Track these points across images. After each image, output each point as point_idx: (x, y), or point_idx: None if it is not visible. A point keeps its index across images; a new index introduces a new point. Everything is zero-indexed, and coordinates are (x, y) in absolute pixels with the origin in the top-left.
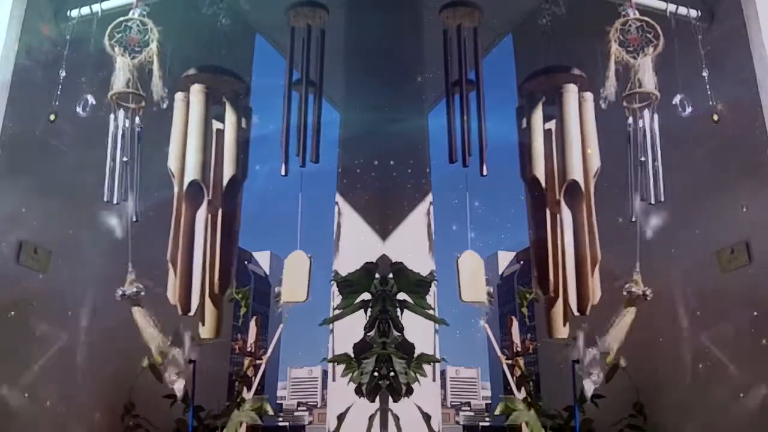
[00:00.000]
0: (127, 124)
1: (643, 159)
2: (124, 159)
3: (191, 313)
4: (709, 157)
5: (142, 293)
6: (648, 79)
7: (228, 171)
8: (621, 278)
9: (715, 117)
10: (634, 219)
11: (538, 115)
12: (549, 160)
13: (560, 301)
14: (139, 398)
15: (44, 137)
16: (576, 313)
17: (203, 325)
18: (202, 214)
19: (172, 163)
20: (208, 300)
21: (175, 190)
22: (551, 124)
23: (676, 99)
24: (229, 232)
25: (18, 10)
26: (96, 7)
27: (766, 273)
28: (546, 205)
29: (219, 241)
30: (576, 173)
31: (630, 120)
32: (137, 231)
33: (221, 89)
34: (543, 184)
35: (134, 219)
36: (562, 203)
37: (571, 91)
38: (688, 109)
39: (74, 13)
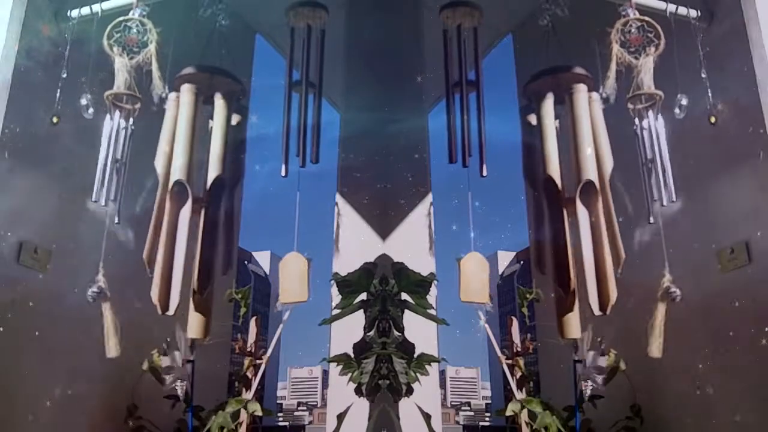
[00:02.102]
0: (122, 125)
1: (651, 160)
2: (116, 159)
3: (169, 312)
4: (708, 157)
5: (103, 292)
6: (650, 80)
7: (213, 171)
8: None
9: (713, 119)
10: (652, 221)
11: (549, 114)
12: (563, 158)
13: (576, 301)
14: (141, 399)
15: (44, 137)
16: (598, 313)
17: (189, 325)
18: (185, 214)
19: (158, 163)
20: (191, 300)
21: (159, 189)
22: (556, 124)
23: (681, 99)
24: (214, 232)
25: (18, 10)
26: (96, 7)
27: (766, 273)
28: (562, 206)
29: (200, 242)
30: (591, 173)
31: (636, 121)
32: (138, 232)
33: (214, 89)
34: (559, 184)
35: (116, 221)
36: (578, 203)
37: (582, 90)
38: (682, 113)
39: (74, 13)
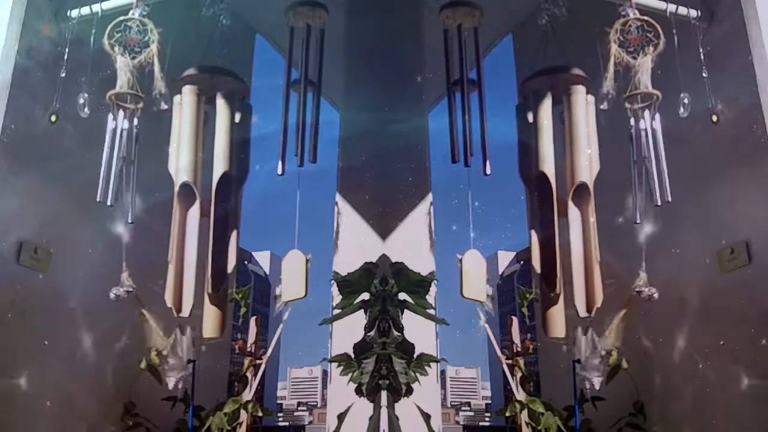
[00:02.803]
0: (126, 125)
1: (646, 160)
2: (122, 158)
3: (183, 314)
4: (708, 157)
5: (132, 293)
6: (648, 80)
7: (219, 168)
8: (619, 278)
9: (714, 118)
10: (638, 221)
11: (546, 112)
12: (556, 158)
13: (561, 301)
14: (139, 398)
15: (44, 137)
16: (585, 314)
17: (204, 324)
18: (193, 214)
19: (171, 166)
20: (206, 299)
21: (175, 191)
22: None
23: (684, 98)
24: (224, 230)
25: (18, 10)
26: (96, 7)
27: (766, 273)
28: (553, 204)
29: (212, 240)
30: (584, 175)
31: (632, 121)
32: (139, 232)
33: (216, 89)
34: (551, 182)
35: (129, 221)
36: (571, 204)
37: (580, 92)
38: (686, 111)
39: (74, 13)
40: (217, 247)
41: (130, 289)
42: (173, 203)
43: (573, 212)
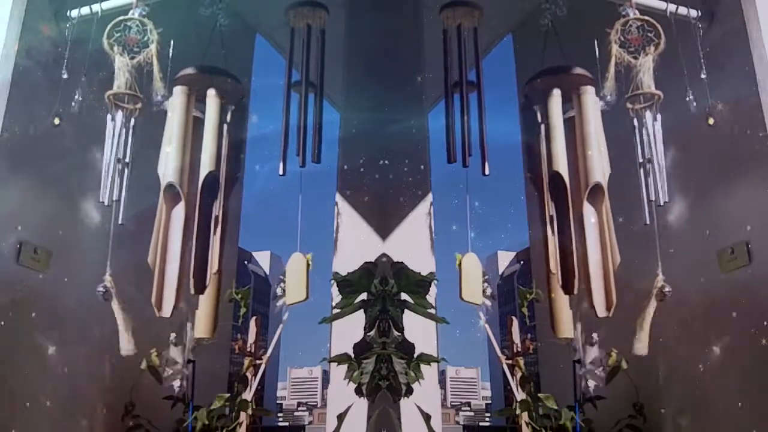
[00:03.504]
0: (123, 125)
1: (650, 160)
2: (117, 159)
3: (164, 314)
4: (708, 157)
5: (109, 291)
6: (650, 80)
7: (205, 168)
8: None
9: (711, 120)
10: (648, 222)
11: (557, 112)
12: (569, 157)
13: (567, 300)
14: (139, 398)
15: (44, 137)
16: (603, 314)
17: (196, 324)
18: (178, 214)
19: (160, 166)
20: (200, 299)
21: (162, 193)
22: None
23: (689, 96)
24: (208, 231)
25: (18, 10)
26: (96, 7)
27: (766, 273)
28: (569, 205)
29: (194, 242)
30: (598, 175)
31: (635, 121)
32: (135, 232)
33: (208, 88)
34: (566, 182)
35: (120, 222)
36: (587, 204)
37: (590, 92)
38: (693, 103)
39: (74, 13)
40: (200, 249)
41: (104, 289)
42: (159, 203)
43: (589, 212)
